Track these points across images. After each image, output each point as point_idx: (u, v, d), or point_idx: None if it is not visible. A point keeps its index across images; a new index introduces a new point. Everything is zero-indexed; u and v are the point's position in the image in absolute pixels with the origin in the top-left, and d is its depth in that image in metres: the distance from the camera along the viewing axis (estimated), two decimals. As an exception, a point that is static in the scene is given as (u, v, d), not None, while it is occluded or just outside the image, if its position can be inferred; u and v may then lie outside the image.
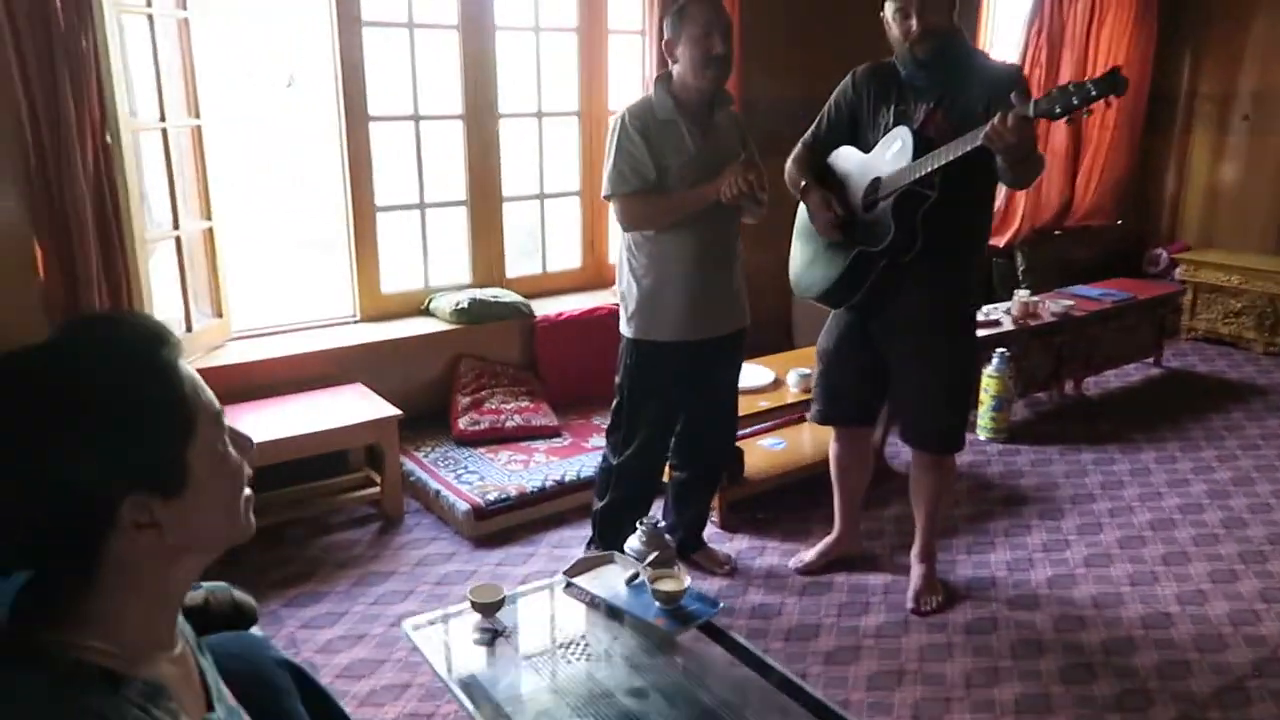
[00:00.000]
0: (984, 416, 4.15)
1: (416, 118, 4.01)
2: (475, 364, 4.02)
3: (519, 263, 4.52)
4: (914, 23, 2.50)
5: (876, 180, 2.58)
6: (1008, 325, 4.31)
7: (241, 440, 0.97)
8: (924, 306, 2.65)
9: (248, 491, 0.98)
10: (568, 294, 4.50)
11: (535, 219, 4.47)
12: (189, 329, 3.52)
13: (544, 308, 4.26)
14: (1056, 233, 6.26)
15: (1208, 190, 6.58)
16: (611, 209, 2.74)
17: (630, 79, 4.53)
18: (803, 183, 2.72)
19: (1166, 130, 6.65)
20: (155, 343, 0.90)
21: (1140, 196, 6.76)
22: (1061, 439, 4.20)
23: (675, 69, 2.66)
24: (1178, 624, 2.82)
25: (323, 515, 3.42)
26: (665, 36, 2.63)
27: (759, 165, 2.66)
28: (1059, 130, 6.08)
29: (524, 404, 3.92)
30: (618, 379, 2.86)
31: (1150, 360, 5.15)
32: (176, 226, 3.45)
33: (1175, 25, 6.41)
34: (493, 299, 4.08)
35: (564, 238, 4.60)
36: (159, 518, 0.89)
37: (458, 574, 3.07)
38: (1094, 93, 2.08)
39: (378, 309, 4.06)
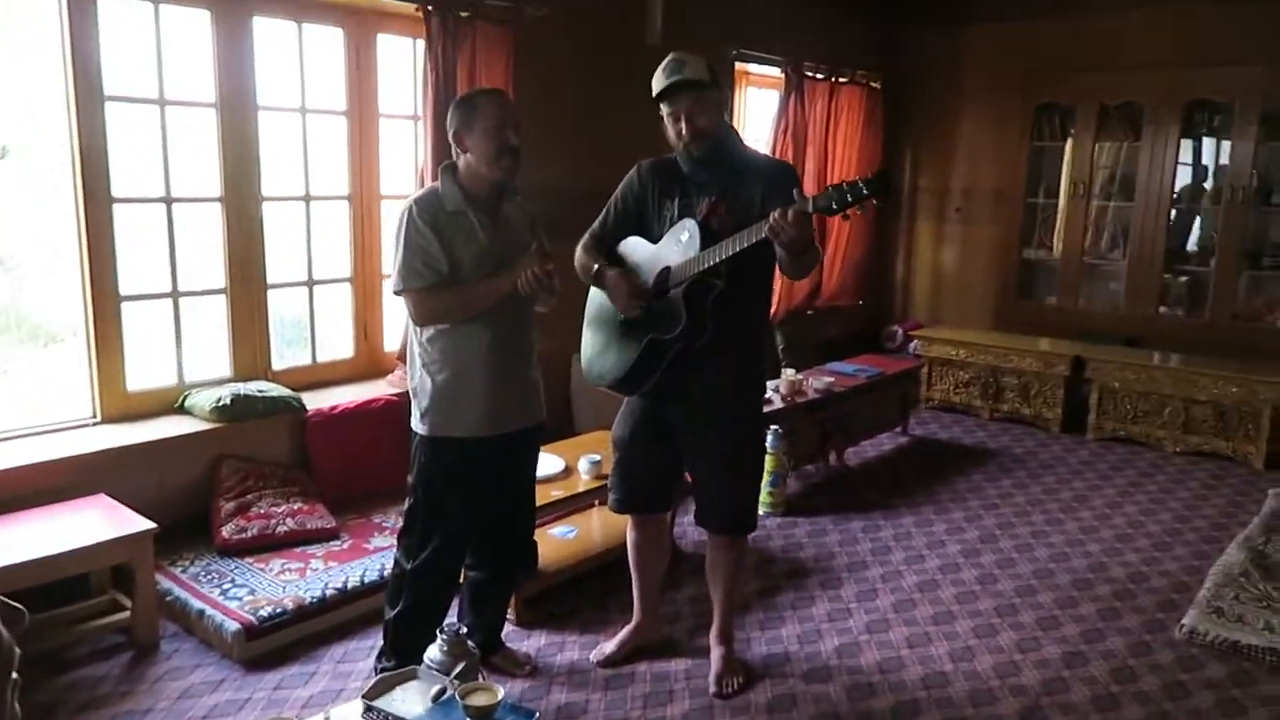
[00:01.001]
0: (762, 492, 4.32)
1: (168, 200, 3.71)
2: (239, 465, 3.69)
3: (286, 354, 4.25)
4: (684, 126, 2.62)
5: (666, 270, 2.65)
6: (778, 403, 4.55)
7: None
8: (716, 392, 2.73)
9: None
10: (341, 385, 4.28)
11: (303, 306, 4.24)
12: (-117, 441, 3.00)
13: (316, 400, 4.02)
14: (809, 313, 6.76)
15: (932, 273, 7.37)
16: (403, 303, 2.63)
17: (402, 163, 4.44)
18: (595, 266, 2.75)
19: (895, 220, 7.41)
20: None
21: (877, 279, 7.46)
22: (832, 509, 4.45)
23: (462, 159, 2.62)
24: (953, 682, 3.01)
25: (59, 649, 2.97)
26: (453, 127, 2.58)
27: (551, 255, 2.66)
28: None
29: (297, 505, 3.64)
30: (410, 478, 2.72)
31: (898, 429, 5.60)
32: None
33: (897, 129, 7.20)
34: (258, 393, 3.80)
35: (335, 326, 4.39)
36: None
37: (229, 704, 2.76)
38: (866, 191, 2.25)
39: (123, 409, 3.65)
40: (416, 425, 2.70)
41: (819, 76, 6.44)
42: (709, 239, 2.55)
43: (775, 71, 6.24)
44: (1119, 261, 6.45)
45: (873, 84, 6.95)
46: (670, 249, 2.65)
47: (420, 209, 2.58)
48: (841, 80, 6.63)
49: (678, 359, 2.66)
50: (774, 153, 6.08)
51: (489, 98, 2.60)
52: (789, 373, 4.78)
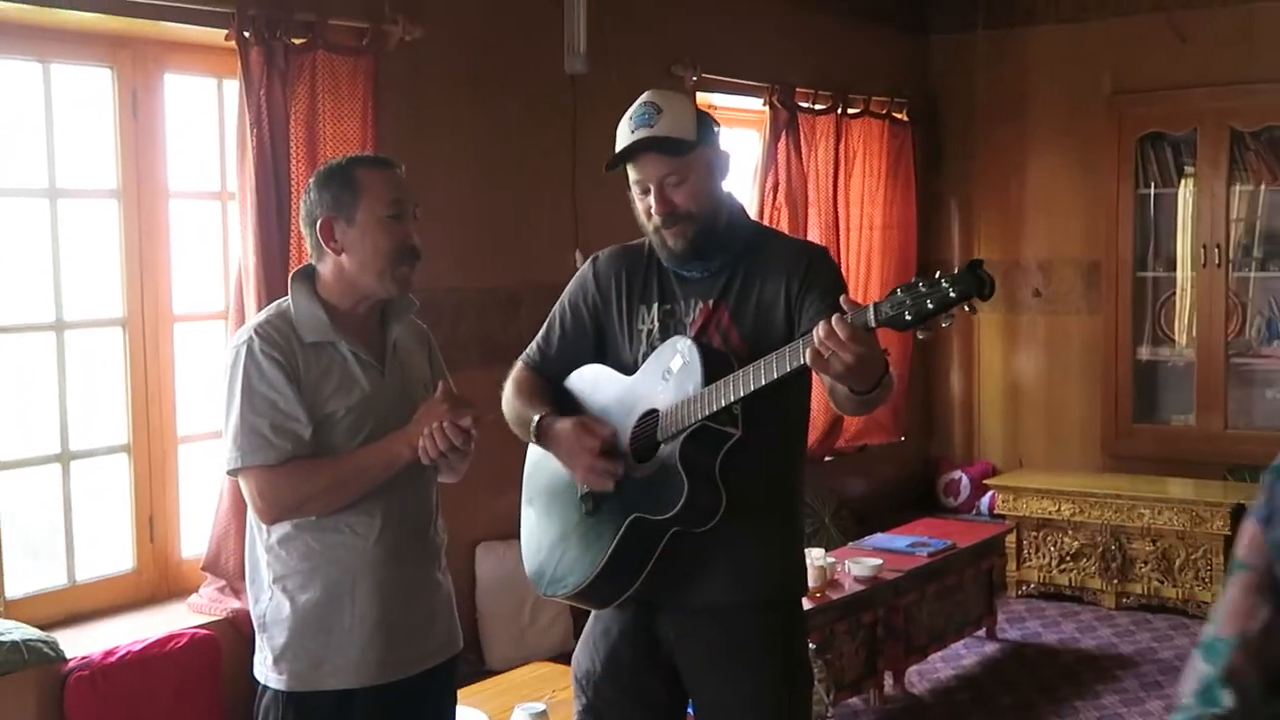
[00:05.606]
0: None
1: None
2: (-41, 757, 3.58)
3: (28, 572, 4.20)
4: (653, 202, 2.68)
5: (651, 414, 2.67)
6: (804, 604, 4.56)
7: None
8: (736, 599, 2.74)
9: None
10: (117, 615, 4.23)
11: (55, 495, 4.20)
12: None
13: (78, 643, 3.94)
14: (827, 459, 6.83)
15: (1006, 389, 7.56)
16: (242, 487, 2.64)
17: (207, 266, 4.50)
18: (536, 416, 2.76)
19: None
20: None
21: (924, 403, 7.61)
22: (898, 766, 4.45)
23: (330, 262, 2.65)
24: None
25: None
26: (318, 214, 2.62)
27: (463, 398, 2.67)
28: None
29: (54, 819, 3.51)
30: (257, 759, 2.67)
31: (982, 631, 5.66)
32: None
33: (936, 178, 7.50)
34: (-13, 638, 3.72)
35: (105, 524, 4.35)
36: None
37: None
38: (952, 294, 2.28)
39: None
40: (265, 675, 2.67)
41: (819, 108, 6.72)
42: (715, 366, 2.58)
43: (756, 103, 6.50)
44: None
45: (896, 115, 7.25)
46: (652, 383, 2.69)
47: (264, 343, 2.60)
48: (851, 112, 6.91)
49: (674, 547, 2.67)
50: (760, 220, 6.27)
51: (377, 172, 2.67)
52: (815, 554, 4.80)
